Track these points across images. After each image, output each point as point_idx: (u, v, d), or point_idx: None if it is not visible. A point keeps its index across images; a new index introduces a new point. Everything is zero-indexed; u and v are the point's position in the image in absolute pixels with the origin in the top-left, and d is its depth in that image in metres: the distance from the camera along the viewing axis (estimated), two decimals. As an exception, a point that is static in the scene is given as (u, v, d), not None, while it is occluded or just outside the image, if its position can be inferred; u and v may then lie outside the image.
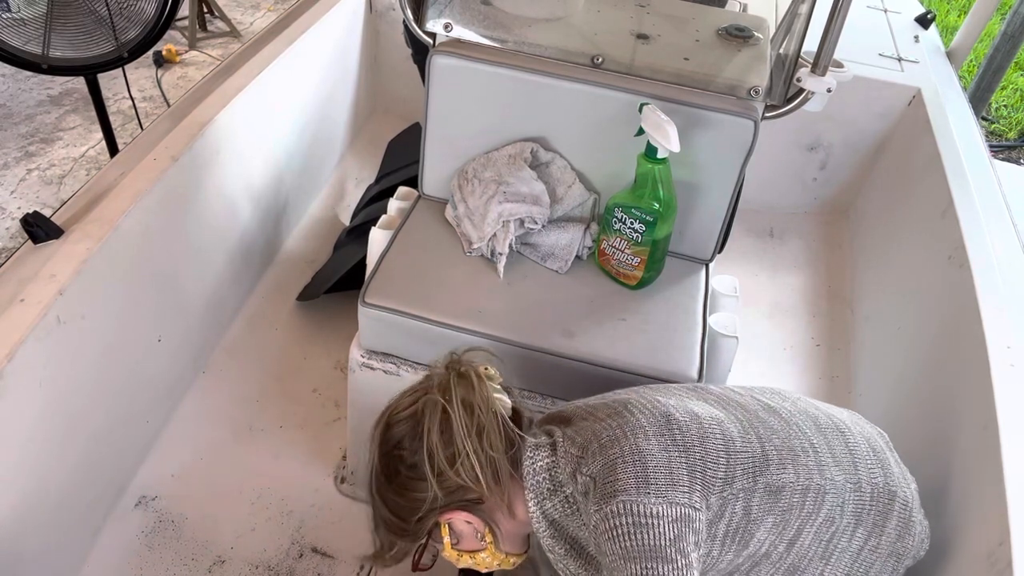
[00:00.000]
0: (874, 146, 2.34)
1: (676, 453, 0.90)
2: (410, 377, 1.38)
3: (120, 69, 1.97)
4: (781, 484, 0.93)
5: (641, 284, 1.41)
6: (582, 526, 0.98)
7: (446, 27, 1.41)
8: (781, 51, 1.42)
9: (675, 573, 0.83)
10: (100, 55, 1.89)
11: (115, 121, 2.46)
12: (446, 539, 1.05)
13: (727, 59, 1.43)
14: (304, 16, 2.17)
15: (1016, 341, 1.31)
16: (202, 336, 1.83)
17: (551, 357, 1.29)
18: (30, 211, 1.37)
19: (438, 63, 1.41)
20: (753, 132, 1.34)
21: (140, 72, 3.39)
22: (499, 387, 1.03)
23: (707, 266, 1.50)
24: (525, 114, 1.44)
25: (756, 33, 1.48)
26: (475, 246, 1.42)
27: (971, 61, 4.37)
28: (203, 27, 3.80)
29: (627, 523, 0.85)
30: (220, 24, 3.83)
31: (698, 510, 0.87)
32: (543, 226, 1.44)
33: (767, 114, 1.36)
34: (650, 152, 1.28)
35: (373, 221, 1.53)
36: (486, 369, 1.03)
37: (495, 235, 1.41)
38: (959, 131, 2.02)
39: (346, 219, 2.31)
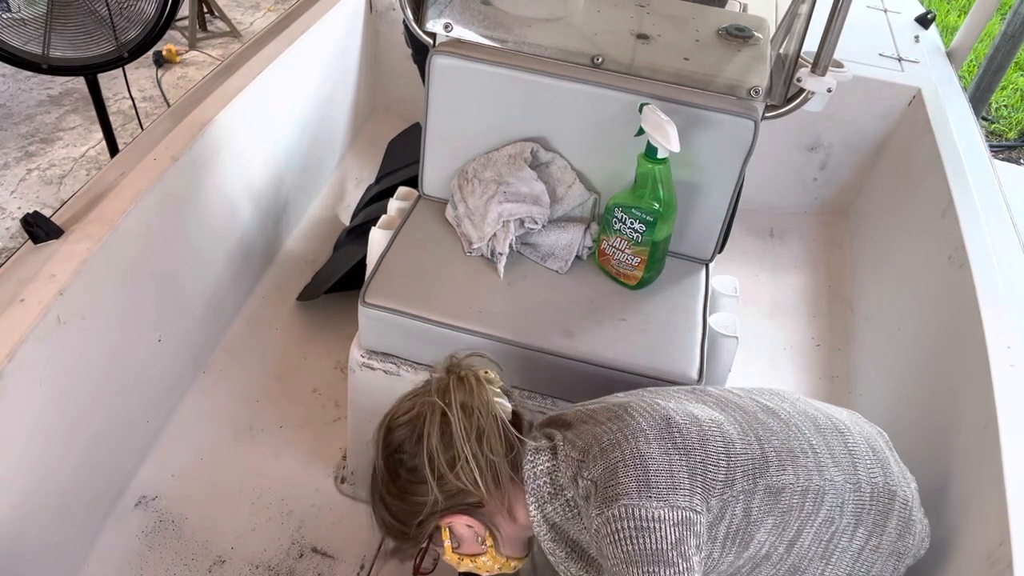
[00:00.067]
0: (874, 146, 2.34)
1: (677, 456, 0.90)
2: (410, 377, 1.38)
3: (120, 69, 1.97)
4: (781, 485, 0.93)
5: (641, 284, 1.41)
6: (583, 530, 0.98)
7: (446, 27, 1.41)
8: (781, 51, 1.42)
9: None
10: (100, 55, 1.89)
11: (115, 121, 2.46)
12: (447, 543, 1.05)
13: (727, 59, 1.43)
14: (304, 16, 2.17)
15: (1016, 341, 1.31)
16: (202, 336, 1.83)
17: (551, 357, 1.29)
18: (30, 211, 1.37)
19: (438, 63, 1.41)
20: (753, 132, 1.34)
21: (140, 72, 3.39)
22: (499, 391, 1.03)
23: (707, 266, 1.50)
24: (525, 114, 1.44)
25: (756, 33, 1.48)
26: (475, 246, 1.42)
27: (971, 61, 4.37)
28: (203, 27, 3.80)
29: (629, 527, 0.85)
30: (220, 24, 3.83)
31: (699, 513, 0.88)
32: (543, 226, 1.44)
33: (767, 114, 1.36)
34: (650, 152, 1.28)
35: (373, 221, 1.53)
36: (486, 373, 1.03)
37: (495, 235, 1.41)
38: (959, 131, 2.02)
39: (346, 219, 2.31)
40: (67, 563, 1.43)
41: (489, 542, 1.04)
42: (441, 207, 1.54)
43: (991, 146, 3.72)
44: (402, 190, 1.62)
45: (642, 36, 1.48)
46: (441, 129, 1.49)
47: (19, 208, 2.62)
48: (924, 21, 2.61)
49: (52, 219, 1.38)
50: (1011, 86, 4.39)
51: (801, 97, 1.30)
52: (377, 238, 1.50)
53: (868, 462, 1.01)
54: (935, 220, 1.77)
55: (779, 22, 1.51)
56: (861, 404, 1.84)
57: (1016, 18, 3.23)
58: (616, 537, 0.85)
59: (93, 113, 2.18)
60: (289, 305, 2.04)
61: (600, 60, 1.39)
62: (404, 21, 1.44)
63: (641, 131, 1.28)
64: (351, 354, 1.42)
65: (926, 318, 1.67)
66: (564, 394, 1.34)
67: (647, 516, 0.85)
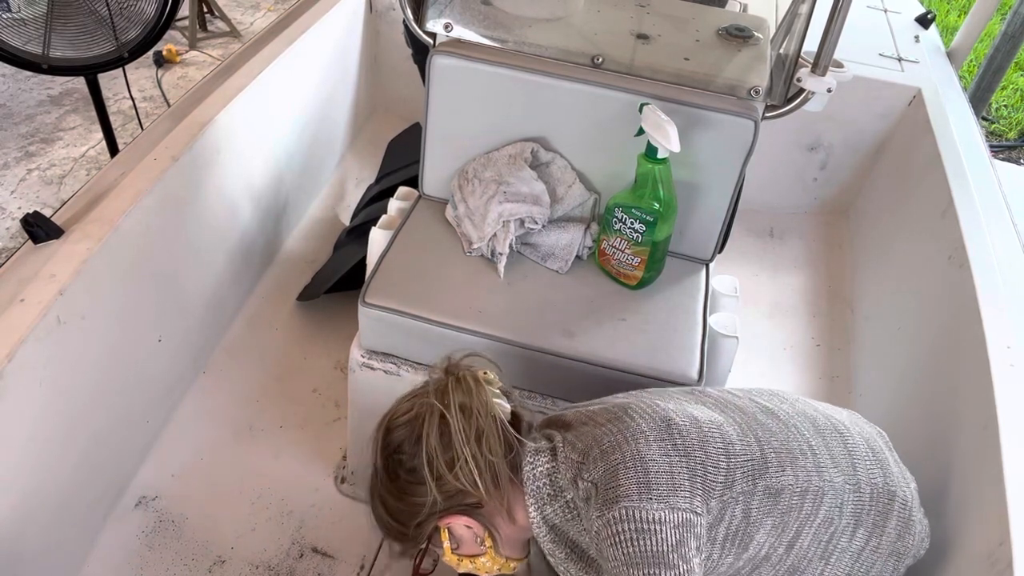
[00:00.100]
0: (874, 146, 2.34)
1: (677, 458, 0.90)
2: (410, 377, 1.38)
3: (120, 69, 1.97)
4: (780, 487, 0.93)
5: (641, 284, 1.41)
6: (583, 531, 0.98)
7: (446, 27, 1.41)
8: (781, 51, 1.42)
9: None
10: (100, 55, 1.89)
11: (115, 121, 2.46)
12: (446, 543, 1.05)
13: (727, 59, 1.43)
14: (304, 16, 2.17)
15: (1016, 341, 1.31)
16: (202, 336, 1.83)
17: (551, 357, 1.29)
18: (30, 211, 1.37)
19: (438, 63, 1.41)
20: (753, 132, 1.34)
21: (140, 72, 3.39)
22: (498, 391, 1.03)
23: (707, 266, 1.50)
24: (525, 114, 1.44)
25: (756, 33, 1.48)
26: (475, 246, 1.42)
27: (971, 61, 4.37)
28: (203, 27, 3.80)
29: (630, 529, 0.85)
30: (220, 24, 3.83)
31: (699, 515, 0.88)
32: (543, 226, 1.44)
33: (767, 114, 1.36)
34: (650, 152, 1.28)
35: (373, 221, 1.53)
36: (485, 373, 1.03)
37: (495, 235, 1.41)
38: (959, 131, 2.02)
39: (346, 219, 2.31)
40: (67, 563, 1.43)
41: (488, 543, 1.04)
42: (441, 207, 1.54)
43: (991, 146, 3.72)
44: (402, 190, 1.62)
45: (642, 36, 1.48)
46: (441, 129, 1.49)
47: (19, 208, 2.62)
48: (924, 21, 2.61)
49: (52, 219, 1.38)
50: (1011, 86, 4.39)
51: (801, 97, 1.30)
52: (377, 238, 1.50)
53: (867, 463, 1.01)
54: (935, 220, 1.77)
55: (779, 22, 1.51)
56: (861, 404, 1.84)
57: (1016, 18, 3.23)
58: (617, 539, 0.85)
59: (93, 113, 2.18)
60: (289, 305, 2.04)
61: (600, 60, 1.39)
62: (404, 21, 1.44)
63: (641, 131, 1.28)
64: (351, 354, 1.42)
65: (926, 318, 1.67)
66: (564, 394, 1.34)
67: (648, 518, 0.85)
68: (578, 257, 1.45)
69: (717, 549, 0.92)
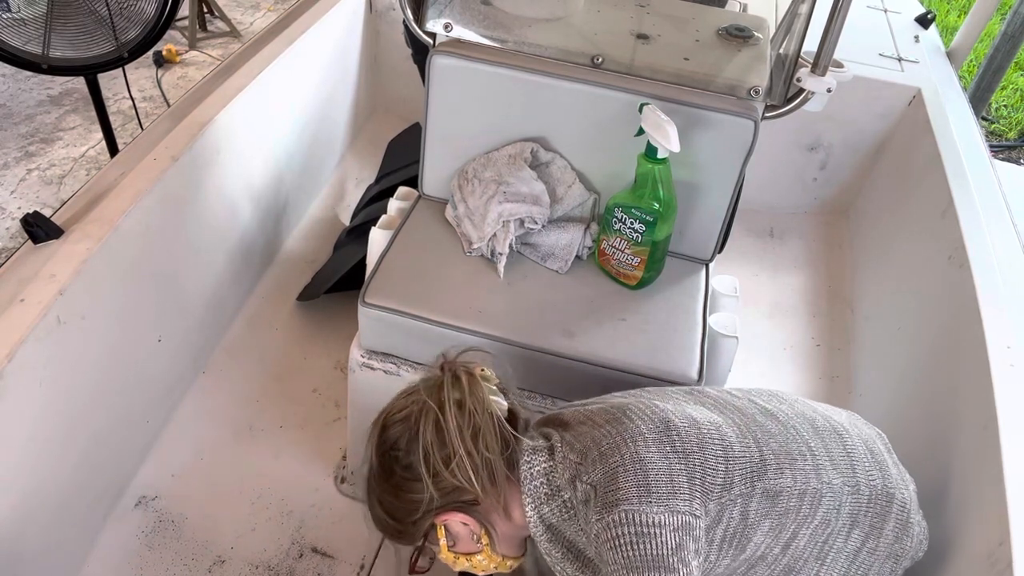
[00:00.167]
0: (874, 146, 2.34)
1: (676, 460, 0.89)
2: (410, 377, 1.38)
3: (120, 69, 1.97)
4: (779, 488, 0.93)
5: (641, 284, 1.41)
6: (580, 531, 0.98)
7: (446, 27, 1.41)
8: (781, 51, 1.42)
9: None
10: (100, 55, 1.89)
11: (115, 121, 2.46)
12: (442, 541, 1.04)
13: (727, 59, 1.43)
14: (304, 16, 2.17)
15: (1016, 341, 1.31)
16: (202, 336, 1.83)
17: (551, 357, 1.29)
18: (30, 211, 1.37)
19: (438, 63, 1.41)
20: (753, 132, 1.34)
21: (140, 72, 3.39)
22: (495, 388, 1.02)
23: (707, 266, 1.50)
24: (525, 114, 1.44)
25: (756, 33, 1.48)
26: (475, 246, 1.42)
27: (971, 61, 4.37)
28: (203, 27, 3.80)
29: (629, 532, 0.84)
30: (220, 24, 3.83)
31: (698, 517, 0.87)
32: (543, 226, 1.44)
33: (767, 114, 1.36)
34: (650, 152, 1.28)
35: (373, 221, 1.53)
36: (482, 370, 1.02)
37: (495, 235, 1.41)
38: (959, 131, 2.02)
39: (346, 219, 2.31)
40: (67, 563, 1.43)
41: (485, 540, 1.04)
42: (441, 207, 1.54)
43: (991, 146, 3.72)
44: (402, 190, 1.62)
45: (642, 36, 1.48)
46: (441, 129, 1.49)
47: (19, 208, 2.62)
48: (924, 21, 2.61)
49: (52, 219, 1.38)
50: (1011, 86, 4.39)
51: (801, 97, 1.30)
52: (377, 238, 1.50)
53: (866, 464, 1.00)
54: (935, 220, 1.77)
55: (779, 22, 1.51)
56: (861, 404, 1.84)
57: (1016, 18, 3.23)
58: (616, 543, 0.85)
59: (93, 113, 2.18)
60: (289, 305, 2.04)
61: (600, 60, 1.39)
62: (404, 21, 1.44)
63: (641, 131, 1.28)
64: (351, 354, 1.42)
65: (926, 318, 1.67)
66: (564, 394, 1.34)
67: (647, 521, 0.85)
68: (578, 257, 1.45)
69: (715, 551, 0.91)
